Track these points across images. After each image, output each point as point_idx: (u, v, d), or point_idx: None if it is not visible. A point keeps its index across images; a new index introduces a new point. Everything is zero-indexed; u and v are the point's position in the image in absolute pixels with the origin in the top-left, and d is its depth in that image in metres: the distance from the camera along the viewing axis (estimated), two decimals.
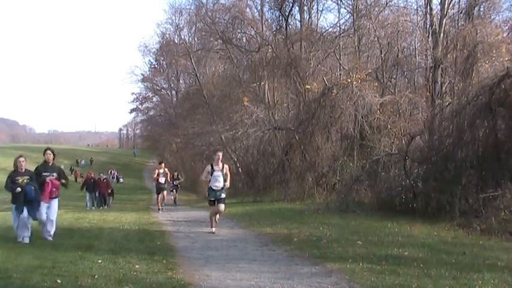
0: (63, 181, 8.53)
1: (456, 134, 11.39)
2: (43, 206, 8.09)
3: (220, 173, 9.19)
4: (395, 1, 21.40)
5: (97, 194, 21.24)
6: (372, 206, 12.46)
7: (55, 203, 8.38)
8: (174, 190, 22.19)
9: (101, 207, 20.40)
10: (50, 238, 8.28)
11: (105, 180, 21.91)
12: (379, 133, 16.43)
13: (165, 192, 16.43)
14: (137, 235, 9.24)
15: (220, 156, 9.30)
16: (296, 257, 6.74)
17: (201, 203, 25.05)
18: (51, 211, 8.24)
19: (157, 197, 16.28)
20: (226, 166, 9.33)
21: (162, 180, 15.96)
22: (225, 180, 9.26)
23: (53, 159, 8.42)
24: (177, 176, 22.92)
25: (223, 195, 9.33)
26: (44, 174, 8.15)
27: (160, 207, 15.94)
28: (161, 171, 16.01)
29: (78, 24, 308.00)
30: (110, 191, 23.01)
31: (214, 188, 9.25)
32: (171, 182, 21.37)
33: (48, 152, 8.38)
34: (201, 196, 32.52)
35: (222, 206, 9.38)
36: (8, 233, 8.85)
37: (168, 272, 5.67)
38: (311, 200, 15.78)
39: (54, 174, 8.29)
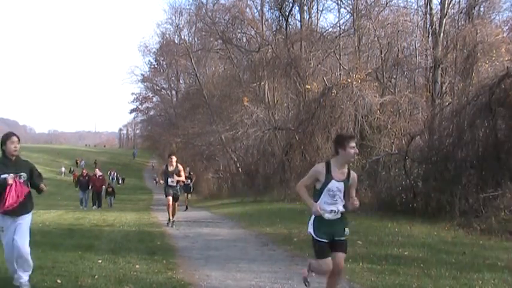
0: (41, 185, 5.03)
1: (456, 134, 11.39)
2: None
3: (342, 185, 4.14)
4: (395, 1, 21.45)
5: (90, 193, 19.80)
6: (372, 206, 12.46)
7: (25, 221, 4.84)
8: (186, 192, 17.42)
9: (95, 207, 19.24)
10: (25, 283, 4.79)
11: (100, 177, 20.07)
12: (379, 133, 16.44)
13: (176, 202, 11.25)
14: (137, 235, 9.23)
15: (353, 151, 4.14)
16: (296, 257, 6.74)
17: (200, 203, 25.08)
18: (20, 235, 4.71)
19: (168, 205, 11.02)
20: (354, 175, 4.28)
21: (173, 181, 10.80)
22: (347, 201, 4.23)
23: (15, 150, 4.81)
24: (189, 173, 17.65)
25: (346, 233, 4.22)
26: (2, 176, 4.71)
27: (171, 219, 11.03)
28: (171, 168, 10.82)
29: (78, 24, 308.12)
30: (110, 190, 22.95)
31: (328, 216, 4.12)
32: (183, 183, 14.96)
33: (14, 138, 4.82)
34: (200, 196, 32.58)
35: (342, 259, 4.21)
36: None
37: (168, 272, 5.66)
38: None
39: (22, 174, 4.85)
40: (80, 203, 19.78)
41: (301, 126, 18.16)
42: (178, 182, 11.07)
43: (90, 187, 19.65)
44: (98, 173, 20.51)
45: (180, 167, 11.13)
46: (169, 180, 10.75)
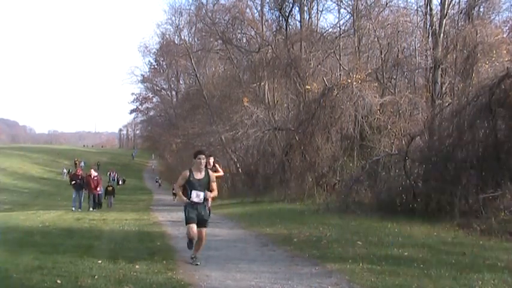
0: None
1: (456, 135, 11.40)
2: None
3: None
4: (395, 1, 21.49)
5: (83, 193, 18.14)
6: (371, 207, 12.46)
7: None
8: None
9: (92, 209, 17.80)
10: None
11: (95, 178, 18.55)
12: (379, 133, 16.45)
13: (204, 231, 6.39)
14: (137, 235, 9.23)
15: None
16: (296, 258, 6.73)
17: None
18: None
19: (190, 234, 6.27)
20: None
21: (198, 195, 6.29)
22: None
23: None
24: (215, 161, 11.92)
25: None
26: None
27: (196, 255, 6.39)
28: (198, 176, 6.31)
29: (78, 24, 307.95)
30: (111, 189, 22.89)
31: None
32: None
33: None
34: None
35: None
36: (7, 233, 8.85)
37: (168, 272, 5.66)
38: (311, 200, 15.78)
39: None
40: (73, 204, 17.81)
41: (301, 127, 18.16)
42: (207, 198, 6.38)
43: (84, 188, 18.13)
44: (93, 173, 18.89)
45: (212, 175, 6.56)
46: (194, 194, 6.23)
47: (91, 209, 17.99)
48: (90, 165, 56.04)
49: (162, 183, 47.48)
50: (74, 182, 18.02)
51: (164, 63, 52.18)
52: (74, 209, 17.24)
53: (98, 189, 19.13)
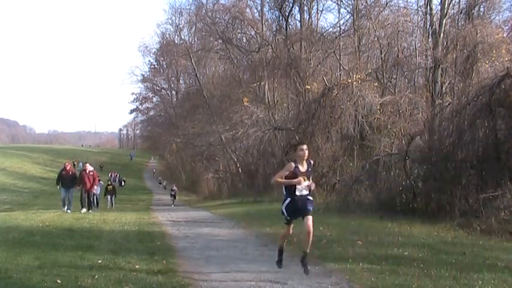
0: None
1: (456, 134, 11.39)
2: None
3: None
4: (395, 1, 21.49)
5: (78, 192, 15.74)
6: (371, 206, 12.46)
7: None
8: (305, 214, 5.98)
9: (84, 210, 15.24)
10: None
11: (91, 173, 15.91)
12: (379, 133, 16.45)
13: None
14: (137, 235, 9.23)
15: None
16: (296, 257, 6.71)
17: (200, 203, 25.10)
18: None
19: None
20: None
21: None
22: None
23: None
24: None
25: None
26: None
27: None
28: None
29: (78, 24, 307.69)
30: (111, 188, 22.80)
31: None
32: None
33: None
34: (201, 196, 32.62)
35: None
36: (7, 233, 8.85)
37: (168, 272, 5.66)
38: None
39: None
40: (62, 204, 15.66)
41: (301, 127, 18.18)
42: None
43: (79, 186, 15.70)
44: (88, 168, 16.20)
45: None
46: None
47: (84, 210, 15.27)
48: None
49: (166, 185, 43.38)
50: (63, 181, 15.50)
51: (164, 63, 52.20)
52: (64, 209, 15.10)
53: (95, 186, 17.04)
